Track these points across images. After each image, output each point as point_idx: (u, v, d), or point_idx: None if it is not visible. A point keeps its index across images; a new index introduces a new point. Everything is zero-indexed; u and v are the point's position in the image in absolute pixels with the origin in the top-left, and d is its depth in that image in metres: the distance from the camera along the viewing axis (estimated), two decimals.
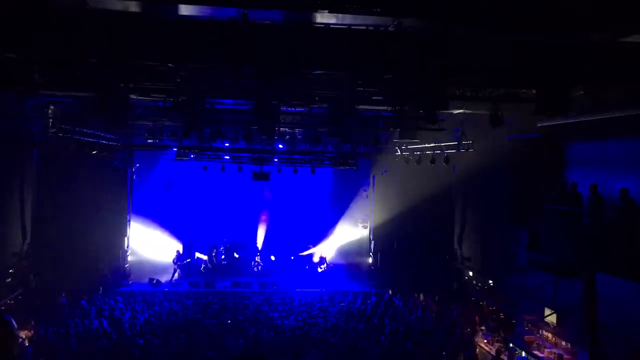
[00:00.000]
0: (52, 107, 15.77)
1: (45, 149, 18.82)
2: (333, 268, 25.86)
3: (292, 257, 26.63)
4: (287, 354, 14.57)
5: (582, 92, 11.09)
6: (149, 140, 19.99)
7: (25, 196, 19.47)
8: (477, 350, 16.59)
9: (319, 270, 25.73)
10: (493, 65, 9.49)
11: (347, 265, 26.61)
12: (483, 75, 10.15)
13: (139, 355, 14.17)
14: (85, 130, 17.74)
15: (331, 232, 27.25)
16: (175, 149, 21.35)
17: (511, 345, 16.32)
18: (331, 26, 8.74)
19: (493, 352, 15.81)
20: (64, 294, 18.74)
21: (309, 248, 26.99)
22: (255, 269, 25.14)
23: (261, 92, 10.96)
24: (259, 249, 26.28)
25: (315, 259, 26.52)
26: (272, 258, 26.16)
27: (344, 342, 15.33)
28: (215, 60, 9.18)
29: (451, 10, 7.78)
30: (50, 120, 16.07)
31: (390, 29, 8.63)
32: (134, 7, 8.35)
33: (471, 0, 7.72)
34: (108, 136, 19.86)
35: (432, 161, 20.08)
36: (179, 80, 11.07)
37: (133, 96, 13.21)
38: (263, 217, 26.95)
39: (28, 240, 19.64)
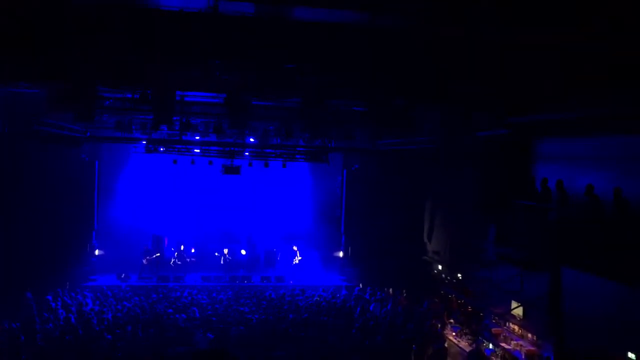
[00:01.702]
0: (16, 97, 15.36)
1: (8, 140, 18.29)
2: (304, 262, 25.86)
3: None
4: (257, 348, 14.53)
5: (550, 90, 11.25)
6: (117, 133, 19.61)
7: None
8: (446, 343, 16.79)
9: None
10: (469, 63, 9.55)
11: (318, 259, 26.62)
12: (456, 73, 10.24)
13: (107, 350, 13.96)
14: (51, 122, 17.29)
15: (302, 226, 27.23)
16: (144, 142, 20.99)
17: (479, 337, 16.57)
18: (304, 20, 8.70)
19: (461, 345, 16.02)
20: (29, 289, 18.31)
21: (278, 242, 26.95)
22: (222, 261, 25.08)
23: (232, 85, 10.87)
24: (227, 242, 26.07)
25: (286, 253, 26.49)
26: (243, 252, 26.01)
27: (314, 336, 15.35)
28: (185, 52, 9.07)
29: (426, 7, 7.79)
30: (14, 110, 15.65)
31: (365, 24, 8.63)
32: None
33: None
34: (75, 128, 19.40)
35: None
36: (147, 72, 10.89)
37: (102, 88, 12.96)
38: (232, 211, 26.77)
39: None
